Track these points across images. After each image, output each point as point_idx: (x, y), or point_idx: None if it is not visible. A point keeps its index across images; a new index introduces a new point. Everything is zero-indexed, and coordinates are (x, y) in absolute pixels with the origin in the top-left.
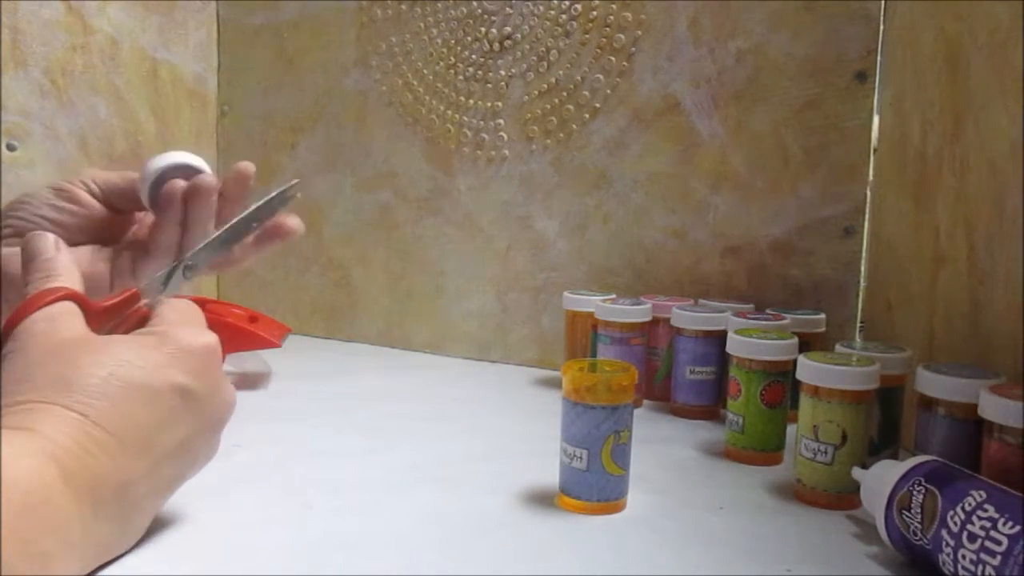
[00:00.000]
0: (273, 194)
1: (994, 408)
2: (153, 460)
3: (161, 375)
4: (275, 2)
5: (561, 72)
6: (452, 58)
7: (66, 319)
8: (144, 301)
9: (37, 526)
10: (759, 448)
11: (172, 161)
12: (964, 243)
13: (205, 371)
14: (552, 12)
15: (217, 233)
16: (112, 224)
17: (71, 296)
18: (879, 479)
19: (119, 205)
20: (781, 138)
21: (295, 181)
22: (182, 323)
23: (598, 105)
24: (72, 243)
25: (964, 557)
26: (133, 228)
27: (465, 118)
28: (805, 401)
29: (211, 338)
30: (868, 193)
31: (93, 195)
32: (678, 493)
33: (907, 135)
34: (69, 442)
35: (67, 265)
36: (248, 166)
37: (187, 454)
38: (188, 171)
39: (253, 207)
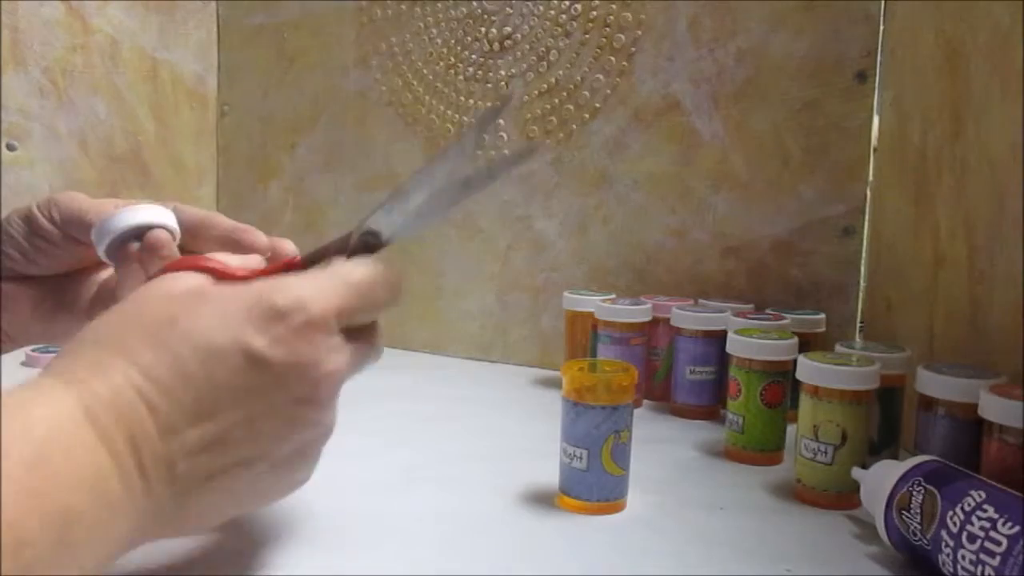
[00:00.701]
0: (503, 157)
1: (994, 408)
2: (211, 432)
3: (231, 333)
4: (275, 2)
5: (561, 72)
6: (452, 58)
7: (180, 280)
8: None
9: (54, 478)
10: (759, 448)
11: (128, 224)
12: (964, 243)
13: (293, 339)
14: (552, 12)
15: (415, 195)
16: (77, 254)
17: (209, 270)
18: (879, 479)
19: (77, 236)
20: (781, 138)
21: (530, 147)
22: (303, 282)
23: (598, 105)
24: (42, 272)
25: (964, 557)
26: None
27: (465, 118)
28: (805, 401)
29: (319, 305)
30: (868, 193)
31: (53, 223)
32: (678, 493)
33: (907, 135)
34: (104, 389)
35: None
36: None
37: (258, 440)
38: (147, 229)
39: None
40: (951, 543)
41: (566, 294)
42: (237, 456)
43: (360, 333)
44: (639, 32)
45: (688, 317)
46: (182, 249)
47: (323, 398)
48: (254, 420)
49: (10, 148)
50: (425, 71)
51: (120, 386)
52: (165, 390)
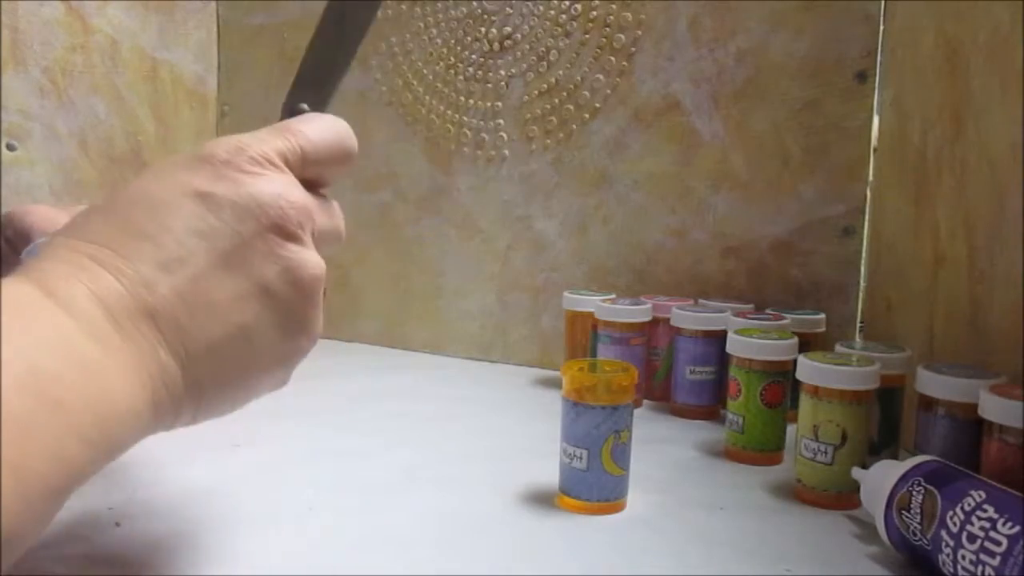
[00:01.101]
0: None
1: (994, 408)
2: (186, 277)
3: (174, 183)
4: (275, 2)
5: (561, 72)
6: (452, 58)
7: None
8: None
9: (14, 345)
10: (759, 448)
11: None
12: (964, 243)
13: (238, 174)
14: (552, 12)
15: (320, 64)
16: None
17: None
18: (879, 479)
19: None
20: (781, 138)
21: None
22: (242, 134)
23: (598, 105)
24: None
25: (964, 557)
26: None
27: (465, 118)
28: (805, 401)
29: (259, 146)
30: (868, 193)
31: (7, 241)
32: (678, 493)
33: (907, 135)
34: (58, 266)
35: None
36: None
37: (243, 278)
38: None
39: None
40: (951, 543)
41: (566, 294)
42: (225, 298)
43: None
44: (639, 32)
45: (688, 317)
46: None
47: (293, 226)
48: (228, 258)
49: (10, 148)
50: (425, 71)
51: (73, 258)
52: (123, 251)
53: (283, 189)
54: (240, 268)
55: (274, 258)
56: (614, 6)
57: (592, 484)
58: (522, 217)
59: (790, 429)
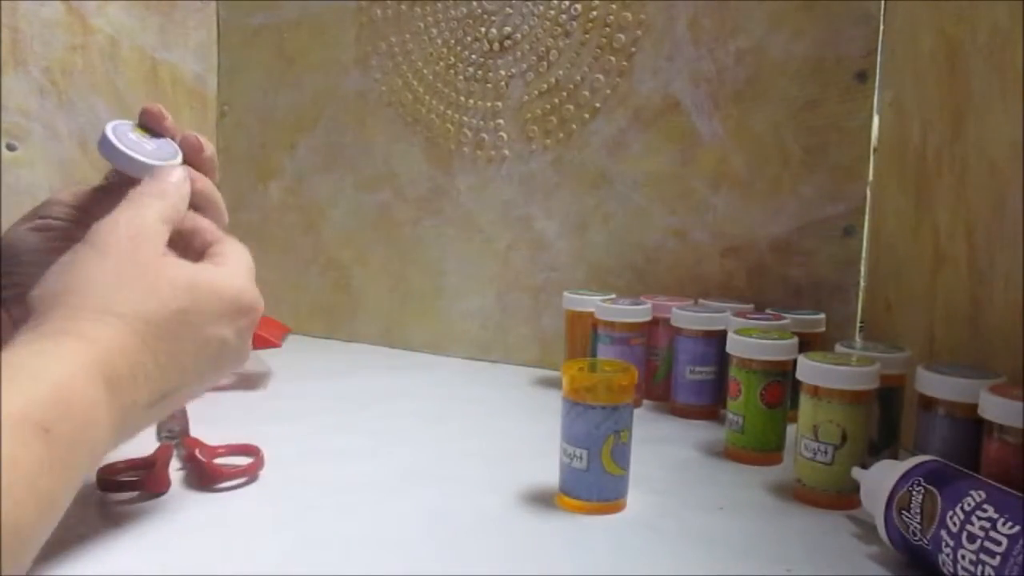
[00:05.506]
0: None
1: (994, 408)
2: (168, 394)
3: (217, 328)
4: (275, 2)
5: (561, 72)
6: (452, 58)
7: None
8: None
9: (72, 433)
10: (759, 448)
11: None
12: (964, 243)
13: (247, 329)
14: (552, 12)
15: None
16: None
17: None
18: (879, 479)
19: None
20: (781, 138)
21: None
22: (248, 277)
23: (598, 105)
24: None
25: (963, 557)
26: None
27: (465, 118)
28: (805, 401)
29: (261, 303)
30: (868, 193)
31: (67, 219)
32: (678, 493)
33: (907, 135)
34: (122, 362)
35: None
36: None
37: (198, 385)
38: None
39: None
40: (951, 543)
41: (566, 294)
42: (180, 400)
43: None
44: (639, 32)
45: (688, 317)
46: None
47: (243, 363)
48: (203, 375)
49: (10, 148)
50: (425, 71)
51: (134, 365)
52: (162, 367)
53: (248, 347)
54: (205, 381)
55: (220, 374)
56: (614, 6)
57: (592, 484)
58: (522, 217)
59: (790, 429)
